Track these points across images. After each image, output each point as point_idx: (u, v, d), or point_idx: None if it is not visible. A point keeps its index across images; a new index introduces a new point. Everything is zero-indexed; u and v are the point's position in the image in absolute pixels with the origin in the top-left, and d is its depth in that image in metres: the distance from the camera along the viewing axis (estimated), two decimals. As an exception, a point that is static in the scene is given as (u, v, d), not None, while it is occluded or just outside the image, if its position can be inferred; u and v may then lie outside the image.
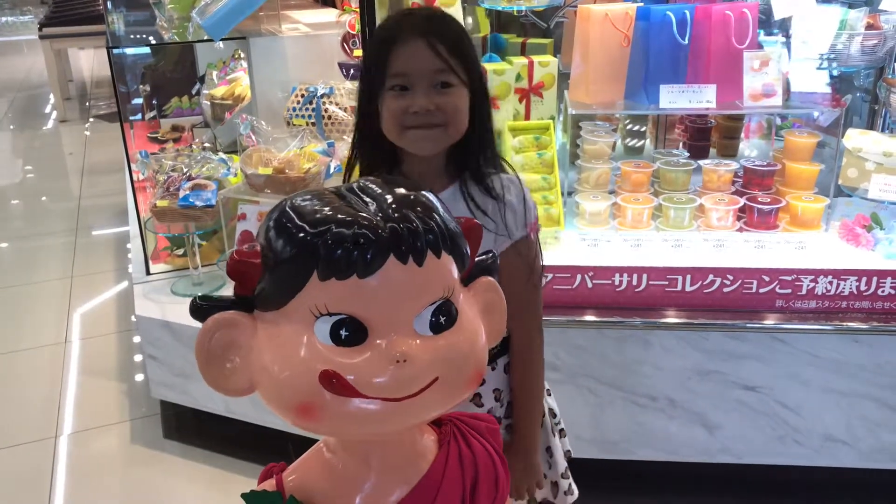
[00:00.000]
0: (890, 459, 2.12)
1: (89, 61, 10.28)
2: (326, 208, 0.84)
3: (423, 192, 0.88)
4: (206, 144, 3.43)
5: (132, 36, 4.76)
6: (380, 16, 1.96)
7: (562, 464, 1.54)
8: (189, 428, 2.64)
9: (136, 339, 3.23)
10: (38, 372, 3.08)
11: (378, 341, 0.83)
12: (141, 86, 4.29)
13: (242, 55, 3.23)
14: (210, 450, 2.53)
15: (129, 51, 4.02)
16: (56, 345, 3.26)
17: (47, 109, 7.67)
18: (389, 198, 0.86)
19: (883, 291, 1.99)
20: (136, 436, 2.65)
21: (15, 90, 8.69)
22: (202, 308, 0.89)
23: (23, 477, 2.47)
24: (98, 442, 2.65)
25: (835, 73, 2.31)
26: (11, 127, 7.17)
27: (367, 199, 0.86)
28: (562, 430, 1.57)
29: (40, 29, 7.02)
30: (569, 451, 1.59)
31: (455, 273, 0.90)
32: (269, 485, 1.01)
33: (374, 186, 0.88)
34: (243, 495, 1.01)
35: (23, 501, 2.37)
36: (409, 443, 1.00)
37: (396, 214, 0.83)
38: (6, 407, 2.87)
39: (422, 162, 1.27)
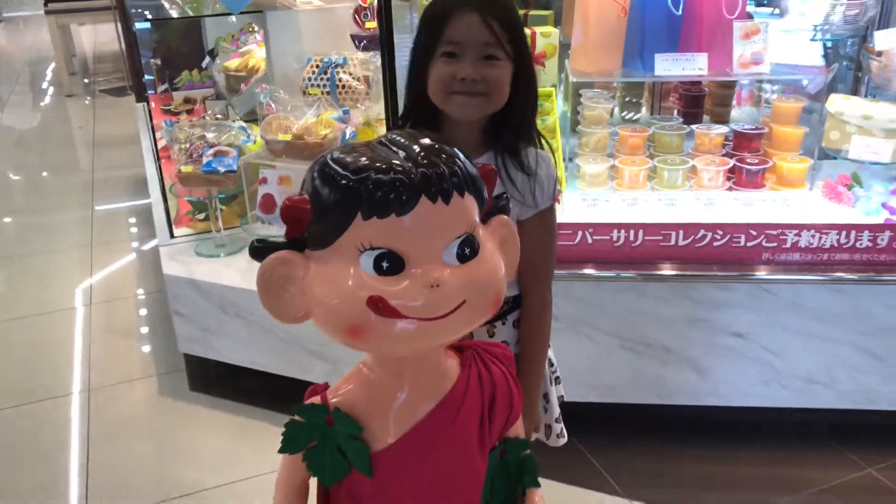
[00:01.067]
0: (866, 400, 2.29)
1: (89, 37, 10.35)
2: (363, 159, 0.99)
3: (445, 142, 1.04)
4: (219, 116, 3.56)
5: (139, 10, 4.87)
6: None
7: (556, 410, 1.67)
8: (213, 381, 2.81)
9: (158, 301, 3.40)
10: (65, 332, 3.24)
11: (414, 270, 0.98)
12: (152, 60, 4.41)
13: (256, 28, 3.36)
14: (234, 400, 2.70)
15: (139, 25, 4.14)
16: (81, 307, 3.43)
17: (54, 84, 7.78)
18: (417, 147, 1.01)
19: (861, 244, 2.15)
20: (164, 389, 2.82)
21: (20, 65, 8.78)
22: (260, 249, 1.04)
23: (61, 426, 2.64)
24: (127, 395, 2.81)
25: (821, 41, 2.44)
26: (19, 101, 7.28)
27: (397, 150, 1.01)
28: (557, 377, 1.71)
29: (46, 4, 7.10)
30: (562, 396, 1.72)
31: (476, 211, 1.06)
32: (315, 400, 1.17)
33: (401, 139, 1.03)
34: (294, 409, 1.17)
35: (65, 447, 2.53)
36: (437, 363, 1.16)
37: (425, 161, 0.98)
38: (38, 364, 3.03)
39: (460, 129, 1.36)
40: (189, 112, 4.06)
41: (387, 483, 1.15)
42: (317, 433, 1.15)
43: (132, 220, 4.41)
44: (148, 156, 3.92)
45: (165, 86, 4.60)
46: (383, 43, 2.00)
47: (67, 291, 3.58)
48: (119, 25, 6.89)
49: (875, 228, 2.14)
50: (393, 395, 1.13)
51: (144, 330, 3.22)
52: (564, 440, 1.69)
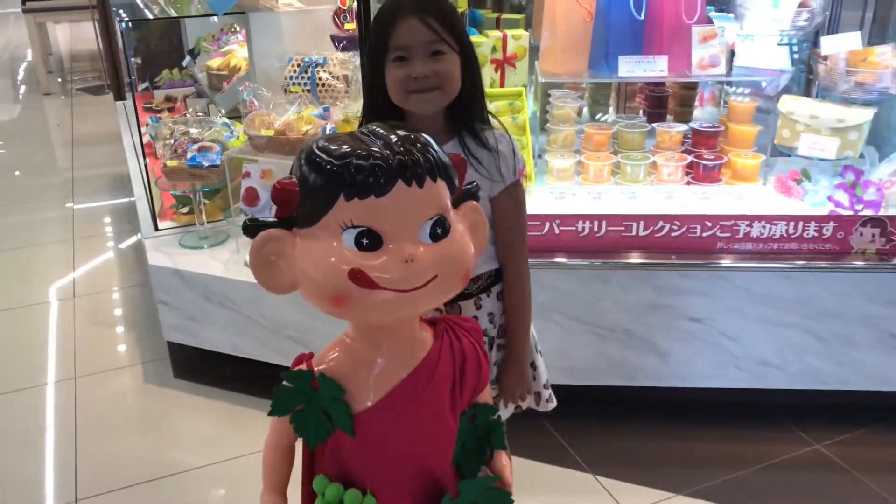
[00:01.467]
0: (815, 381, 2.45)
1: (65, 35, 10.35)
2: (346, 146, 1.11)
3: (420, 133, 1.16)
4: (200, 114, 3.66)
5: (120, 10, 4.95)
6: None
7: (543, 377, 1.80)
8: (197, 368, 2.91)
9: (141, 294, 3.48)
10: (49, 324, 3.32)
11: (391, 247, 1.11)
12: (133, 59, 4.49)
13: (238, 28, 3.46)
14: (218, 387, 2.80)
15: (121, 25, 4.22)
16: (65, 300, 3.51)
17: (30, 82, 7.79)
18: (394, 137, 1.13)
19: (808, 234, 2.31)
20: (148, 376, 2.92)
21: (-4, 64, 8.78)
22: (252, 227, 1.16)
23: (50, 412, 2.73)
24: (113, 382, 2.90)
25: (775, 45, 2.60)
26: (-4, 100, 7.31)
27: (376, 139, 1.13)
28: (541, 351, 1.85)
29: (23, 3, 7.12)
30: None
31: (447, 196, 1.18)
32: (302, 367, 1.29)
33: (379, 129, 1.16)
34: (282, 374, 1.29)
35: (51, 433, 2.62)
36: (412, 333, 1.28)
37: (401, 148, 1.11)
38: (24, 353, 3.11)
39: (424, 121, 1.49)
40: (170, 110, 4.14)
41: (367, 442, 1.27)
42: (303, 397, 1.26)
43: (113, 216, 4.49)
44: (130, 152, 4.00)
45: (146, 84, 4.68)
46: (363, 44, 2.12)
47: (50, 285, 3.65)
48: (97, 24, 6.94)
49: (820, 219, 2.30)
50: (372, 361, 1.25)
51: (128, 321, 3.31)
52: (553, 405, 1.82)
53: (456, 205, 1.22)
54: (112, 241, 4.15)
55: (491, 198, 1.56)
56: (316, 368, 1.28)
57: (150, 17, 3.27)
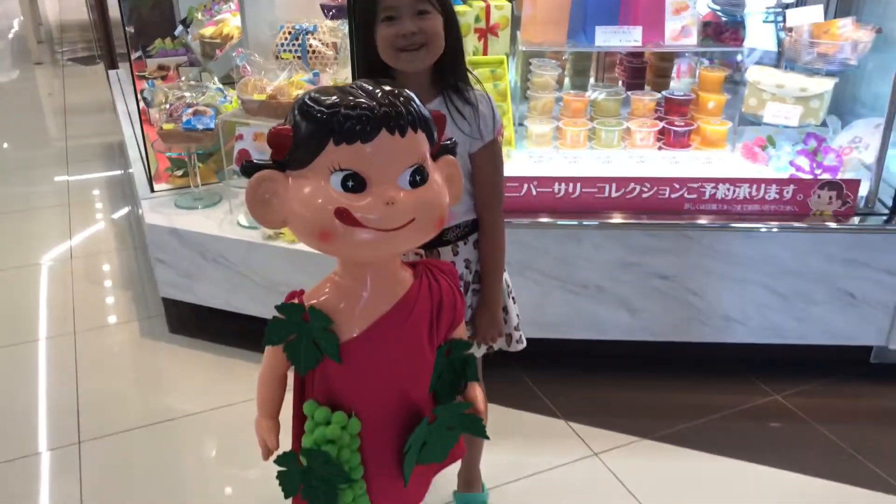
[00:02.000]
0: (775, 335, 2.60)
1: (53, 6, 10.35)
2: (335, 97, 1.24)
3: (403, 89, 1.29)
4: (192, 82, 3.76)
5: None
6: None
7: (514, 320, 1.94)
8: (191, 324, 3.04)
9: (135, 256, 3.61)
10: (48, 283, 3.44)
11: (374, 190, 1.24)
12: (126, 28, 4.58)
13: (230, -2, 3.56)
14: (212, 341, 2.93)
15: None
16: (62, 261, 3.62)
17: (21, 52, 7.82)
18: (379, 91, 1.26)
19: (770, 196, 2.45)
20: (145, 332, 3.05)
21: (-15, 33, 8.79)
22: (249, 167, 1.29)
23: (51, 363, 2.86)
24: (110, 337, 3.03)
25: (741, 18, 2.73)
26: (-13, 69, 7.34)
27: (363, 92, 1.26)
28: (513, 297, 1.99)
29: (14, -28, 7.15)
30: (517, 315, 2.01)
31: (427, 147, 1.31)
32: (294, 301, 1.43)
33: (366, 85, 1.29)
34: (276, 307, 1.43)
35: (56, 383, 2.75)
36: (393, 271, 1.42)
37: (386, 101, 1.24)
38: (22, 310, 3.23)
39: (412, 80, 1.59)
40: (163, 79, 4.24)
41: (352, 369, 1.41)
42: (295, 328, 1.40)
43: (107, 183, 4.59)
44: (125, 120, 4.10)
45: (139, 53, 4.77)
46: (351, 10, 2.23)
47: (49, 247, 3.77)
48: (89, -6, 6.99)
49: (781, 182, 2.45)
50: (358, 295, 1.39)
51: (123, 281, 3.43)
52: (523, 345, 1.95)
53: (435, 157, 1.35)
54: (107, 207, 4.25)
55: (471, 154, 1.69)
56: (307, 302, 1.41)
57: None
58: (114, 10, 5.64)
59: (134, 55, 4.82)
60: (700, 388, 2.65)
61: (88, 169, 4.81)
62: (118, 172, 4.70)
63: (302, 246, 2.65)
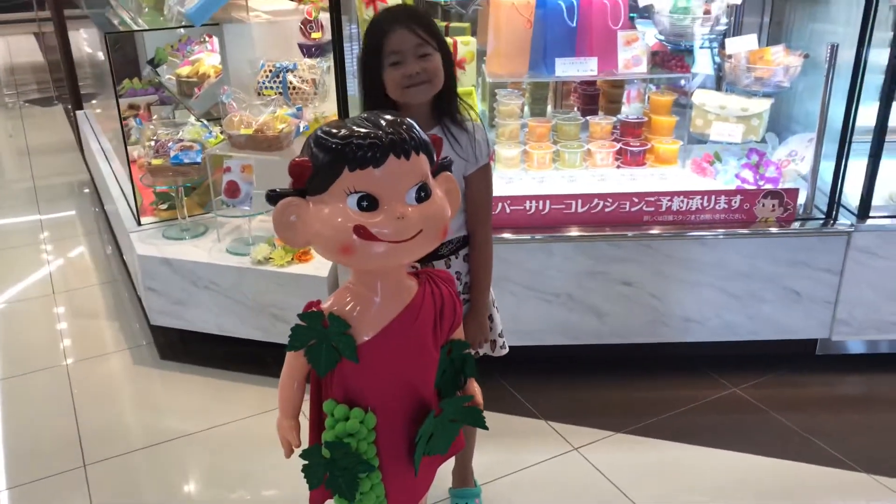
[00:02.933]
0: (730, 333, 2.85)
1: (1, 49, 10.30)
2: (347, 130, 1.43)
3: (405, 118, 1.49)
4: (167, 118, 3.91)
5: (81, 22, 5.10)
6: (342, 4, 2.53)
7: (499, 328, 2.15)
8: (181, 350, 3.16)
9: (117, 288, 3.71)
10: (33, 317, 3.52)
11: (385, 207, 1.43)
12: (112, 68, 4.69)
13: (207, 38, 3.72)
14: (202, 365, 3.06)
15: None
16: (45, 297, 3.70)
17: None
18: (384, 122, 1.46)
19: (719, 206, 2.71)
20: (136, 360, 3.16)
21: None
22: (274, 196, 1.46)
23: (48, 394, 2.95)
24: (102, 367, 3.13)
25: (685, 47, 3.01)
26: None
27: (370, 123, 1.45)
28: (497, 307, 2.19)
29: (-31, 17, 7.18)
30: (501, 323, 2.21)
31: (428, 167, 1.51)
32: (312, 311, 1.60)
33: (372, 116, 1.48)
34: (299, 315, 1.60)
35: (57, 414, 2.83)
36: (401, 280, 1.61)
37: (391, 130, 1.44)
38: (13, 344, 3.31)
39: (414, 111, 1.80)
40: (134, 118, 4.37)
41: (367, 368, 1.59)
42: (315, 333, 1.57)
43: (80, 220, 4.65)
44: (99, 157, 4.20)
45: (106, 93, 4.88)
46: (336, 50, 2.44)
47: (29, 284, 3.84)
48: (46, 37, 7.05)
49: (729, 193, 2.71)
50: (371, 302, 1.57)
51: (108, 313, 3.53)
52: (506, 351, 2.16)
53: (434, 175, 1.55)
54: (82, 243, 4.33)
55: (465, 175, 1.90)
56: (325, 309, 1.59)
57: (124, 30, 3.49)
58: (75, 52, 5.75)
59: (101, 96, 4.96)
60: (665, 384, 2.88)
61: (59, 207, 4.88)
62: (89, 207, 4.78)
63: (290, 269, 2.82)
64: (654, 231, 2.72)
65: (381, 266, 1.53)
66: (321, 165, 1.43)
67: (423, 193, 1.47)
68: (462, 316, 1.76)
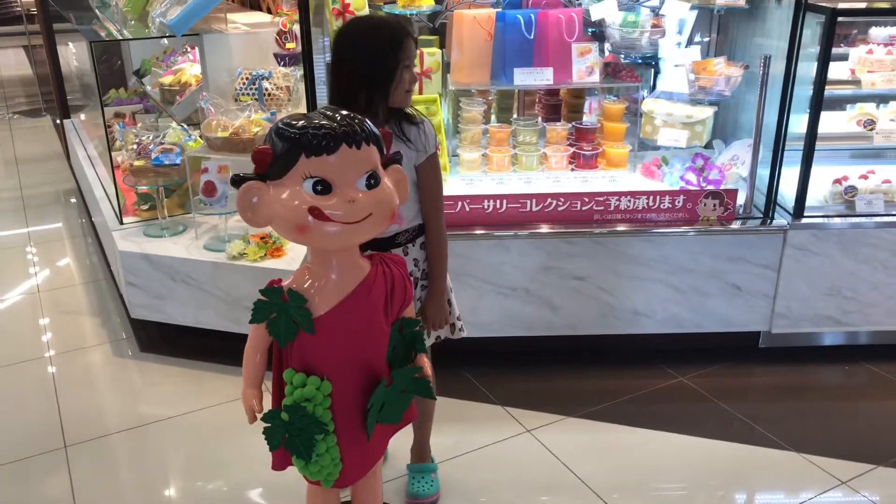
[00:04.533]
0: (677, 326, 3.04)
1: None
2: (303, 121, 1.62)
3: (356, 115, 1.67)
4: (151, 123, 4.08)
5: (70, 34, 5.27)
6: (313, 18, 2.72)
7: (457, 312, 2.32)
8: (159, 343, 3.32)
9: (99, 288, 3.86)
10: (18, 315, 3.67)
11: (338, 192, 1.61)
12: (98, 79, 4.87)
13: (188, 48, 3.91)
14: (182, 357, 3.21)
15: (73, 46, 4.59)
16: (31, 294, 3.85)
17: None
18: (338, 115, 1.64)
19: (664, 206, 2.91)
20: (116, 352, 3.31)
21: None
22: (238, 179, 1.63)
23: (31, 383, 3.10)
24: (83, 359, 3.28)
25: (635, 59, 3.22)
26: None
27: (325, 116, 1.63)
28: (453, 295, 2.36)
29: (-40, 30, 7.35)
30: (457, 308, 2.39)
31: (378, 158, 1.69)
32: (274, 287, 1.77)
33: (327, 111, 1.66)
34: (260, 290, 1.77)
35: (39, 400, 2.98)
36: (354, 259, 1.78)
37: (344, 122, 1.62)
38: (-2, 340, 3.48)
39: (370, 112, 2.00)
40: (119, 124, 4.54)
41: (323, 340, 1.75)
42: (275, 307, 1.74)
43: (65, 225, 4.82)
44: (85, 163, 4.37)
45: (92, 103, 5.05)
46: (305, 60, 2.63)
47: (13, 285, 3.99)
48: (36, 50, 7.23)
49: (673, 194, 2.91)
50: (327, 278, 1.74)
51: (90, 310, 3.68)
52: (465, 333, 2.33)
53: (384, 167, 1.73)
54: (67, 245, 4.49)
55: (416, 165, 2.09)
56: (285, 285, 1.76)
57: (109, 39, 3.67)
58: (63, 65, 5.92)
59: (88, 107, 5.13)
60: (615, 374, 3.06)
61: (46, 214, 5.03)
62: (75, 214, 4.93)
63: (264, 263, 2.99)
64: (604, 229, 2.91)
65: (334, 245, 1.70)
66: (281, 152, 1.60)
67: (373, 181, 1.65)
68: (412, 295, 1.93)
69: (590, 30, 3.31)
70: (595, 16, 3.12)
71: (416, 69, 2.08)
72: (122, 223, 3.38)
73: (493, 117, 3.59)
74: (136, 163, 3.13)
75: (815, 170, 2.94)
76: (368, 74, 2.03)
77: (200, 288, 3.07)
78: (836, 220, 2.98)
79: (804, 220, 2.95)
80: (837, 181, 3.07)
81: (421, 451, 2.49)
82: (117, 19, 3.96)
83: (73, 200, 5.18)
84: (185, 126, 3.33)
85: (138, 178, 3.19)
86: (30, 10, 7.03)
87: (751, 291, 2.99)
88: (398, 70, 2.00)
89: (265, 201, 1.62)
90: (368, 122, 1.66)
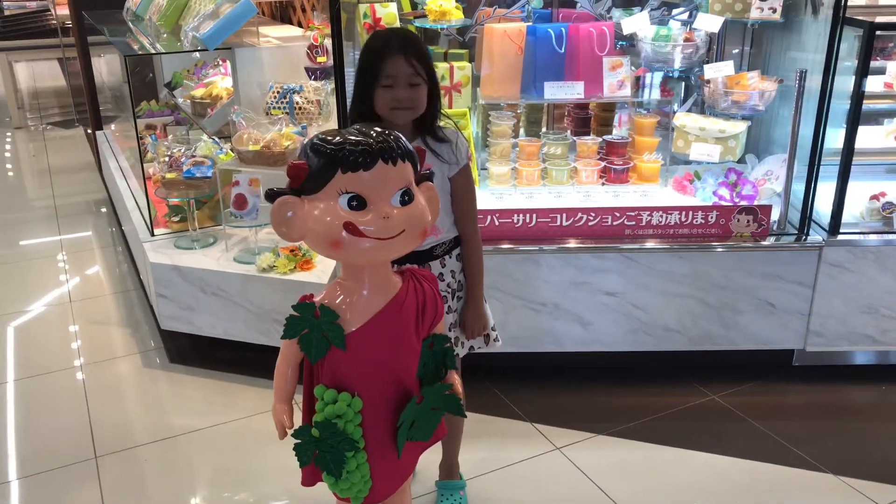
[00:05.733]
0: (709, 343, 2.99)
1: (24, 74, 10.65)
2: (339, 137, 1.61)
3: (392, 131, 1.67)
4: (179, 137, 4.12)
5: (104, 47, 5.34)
6: (344, 31, 2.73)
7: (491, 322, 2.31)
8: (189, 354, 3.34)
9: (129, 298, 3.90)
10: (50, 325, 3.71)
11: (373, 208, 1.60)
12: (132, 91, 4.94)
13: (220, 62, 3.95)
14: (210, 368, 3.23)
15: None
16: (62, 305, 3.90)
17: (3, 118, 8.10)
18: (373, 132, 1.64)
19: (696, 221, 2.88)
20: (146, 363, 3.33)
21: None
22: (273, 194, 1.63)
23: (62, 392, 3.13)
24: (114, 369, 3.31)
25: (669, 73, 3.19)
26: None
27: (361, 133, 1.63)
28: (486, 303, 2.35)
29: (-6, 43, 7.51)
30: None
31: (412, 174, 1.69)
32: (305, 302, 1.77)
33: (363, 127, 1.66)
34: (293, 306, 1.76)
35: (70, 410, 3.01)
36: (386, 275, 1.77)
37: (381, 138, 1.61)
38: (31, 347, 3.50)
39: (397, 126, 1.97)
40: (150, 136, 4.59)
41: (355, 356, 1.75)
42: (307, 323, 1.73)
43: (96, 235, 4.87)
44: (117, 174, 4.42)
45: (125, 115, 5.13)
46: (337, 74, 2.64)
47: (48, 294, 4.04)
48: (70, 62, 7.35)
49: (705, 209, 2.87)
50: (359, 295, 1.73)
51: (121, 320, 3.72)
52: (500, 343, 2.33)
53: (417, 183, 1.73)
54: (98, 255, 4.54)
55: (450, 177, 2.08)
56: (317, 301, 1.76)
57: (140, 53, 3.72)
58: (97, 77, 6.01)
59: (120, 118, 5.20)
60: (646, 391, 3.02)
61: (78, 222, 5.10)
62: (106, 224, 4.99)
63: (293, 276, 3.00)
64: (635, 244, 2.87)
65: (367, 260, 1.69)
66: (316, 168, 1.60)
67: (407, 198, 1.64)
68: (443, 311, 1.92)
69: (620, 43, 3.29)
70: (626, 30, 3.10)
71: (418, 90, 1.99)
72: (153, 235, 3.41)
73: (522, 131, 3.58)
74: (168, 175, 3.15)
75: (852, 185, 2.89)
76: (356, 81, 2.04)
77: (230, 300, 3.08)
78: (873, 237, 2.93)
79: (840, 237, 2.90)
80: (875, 197, 3.02)
81: (450, 468, 2.47)
82: (150, 32, 4.01)
83: (104, 210, 5.25)
84: (217, 139, 3.35)
85: (170, 190, 3.21)
86: (65, 23, 7.13)
87: (785, 309, 2.94)
88: (376, 84, 1.97)
89: (300, 216, 1.62)
90: (403, 138, 1.66)
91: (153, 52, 3.75)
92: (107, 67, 6.85)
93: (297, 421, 1.82)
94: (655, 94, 3.17)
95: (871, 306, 2.95)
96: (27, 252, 4.67)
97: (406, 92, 1.97)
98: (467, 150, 2.12)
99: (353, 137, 1.60)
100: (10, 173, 6.45)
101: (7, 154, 7.01)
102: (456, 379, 1.93)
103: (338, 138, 1.60)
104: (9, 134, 7.54)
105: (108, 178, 4.92)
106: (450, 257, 2.17)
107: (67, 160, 6.50)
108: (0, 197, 5.78)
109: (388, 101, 1.98)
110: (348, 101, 2.77)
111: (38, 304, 3.93)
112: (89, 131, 6.31)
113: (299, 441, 1.78)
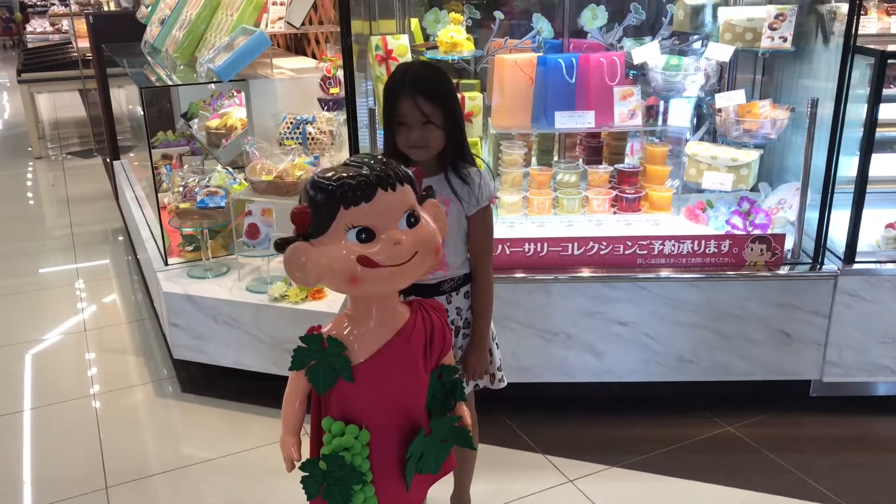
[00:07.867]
0: (724, 373, 2.96)
1: (45, 104, 10.83)
2: (336, 173, 1.61)
3: (385, 158, 1.67)
4: (194, 167, 4.16)
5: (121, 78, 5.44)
6: (356, 63, 2.76)
7: (498, 362, 2.29)
8: (201, 384, 3.34)
9: (143, 327, 3.92)
10: (64, 353, 3.74)
11: (382, 236, 1.60)
12: (147, 121, 5.01)
13: (236, 93, 4.00)
14: (220, 398, 3.23)
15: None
16: (78, 332, 3.92)
17: (22, 148, 8.24)
18: (367, 162, 1.64)
19: (709, 250, 2.86)
20: (158, 393, 3.34)
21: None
22: (282, 243, 1.63)
23: (75, 421, 3.14)
24: (126, 399, 3.32)
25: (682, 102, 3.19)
26: (-9, 164, 7.74)
27: (355, 165, 1.63)
28: (497, 343, 2.34)
29: (19, 74, 7.64)
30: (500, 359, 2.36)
31: (413, 196, 1.68)
32: (313, 334, 1.77)
33: (357, 160, 1.66)
34: (300, 337, 1.76)
35: (83, 439, 3.01)
36: (394, 307, 1.77)
37: (376, 168, 1.61)
38: (46, 377, 3.52)
39: (420, 161, 1.99)
40: (165, 166, 4.65)
41: (362, 388, 1.74)
42: (315, 354, 1.74)
43: (112, 263, 4.91)
44: (133, 205, 4.47)
45: (141, 144, 5.19)
46: (349, 105, 2.67)
47: (61, 323, 4.06)
48: (91, 93, 7.47)
49: (718, 238, 2.85)
50: (367, 326, 1.73)
51: (134, 349, 3.73)
52: (504, 384, 2.30)
53: (420, 202, 1.72)
54: (114, 285, 4.57)
55: (468, 216, 2.07)
56: (324, 333, 1.75)
57: (156, 85, 3.78)
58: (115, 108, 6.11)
59: (137, 148, 5.27)
60: (660, 422, 2.98)
61: (95, 251, 5.14)
62: (122, 253, 5.04)
63: (304, 305, 3.00)
64: (648, 273, 2.86)
65: (387, 289, 1.68)
66: (319, 208, 1.59)
67: (413, 219, 1.64)
68: (451, 343, 1.91)
69: (632, 72, 3.30)
70: (637, 59, 3.11)
71: (430, 129, 1.99)
72: (166, 264, 3.43)
73: (533, 160, 3.59)
74: (182, 205, 3.18)
75: (866, 213, 2.86)
76: (383, 114, 2.05)
77: (242, 329, 3.09)
78: (890, 265, 2.89)
79: (856, 266, 2.86)
80: (890, 225, 2.99)
81: (461, 500, 2.45)
82: (167, 64, 4.08)
83: (121, 239, 5.29)
84: (230, 169, 3.39)
85: (184, 220, 3.24)
86: (85, 56, 7.27)
87: (801, 338, 2.90)
88: (394, 122, 1.99)
89: (313, 260, 1.60)
90: (395, 163, 1.65)
91: (169, 83, 3.80)
92: (125, 98, 6.95)
93: (306, 453, 1.81)
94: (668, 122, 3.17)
95: (889, 336, 2.91)
96: (45, 280, 4.71)
97: (418, 132, 1.97)
98: (490, 192, 2.09)
99: (348, 172, 1.60)
100: (31, 202, 6.54)
101: (28, 183, 7.12)
102: (465, 410, 1.92)
103: (334, 175, 1.60)
104: (30, 164, 7.66)
105: (124, 207, 4.97)
106: (457, 294, 2.16)
107: (86, 189, 6.58)
108: (20, 226, 5.85)
109: (404, 140, 1.99)
110: (360, 131, 2.82)
111: (54, 333, 3.96)
112: (108, 161, 6.40)
113: (307, 474, 1.77)
